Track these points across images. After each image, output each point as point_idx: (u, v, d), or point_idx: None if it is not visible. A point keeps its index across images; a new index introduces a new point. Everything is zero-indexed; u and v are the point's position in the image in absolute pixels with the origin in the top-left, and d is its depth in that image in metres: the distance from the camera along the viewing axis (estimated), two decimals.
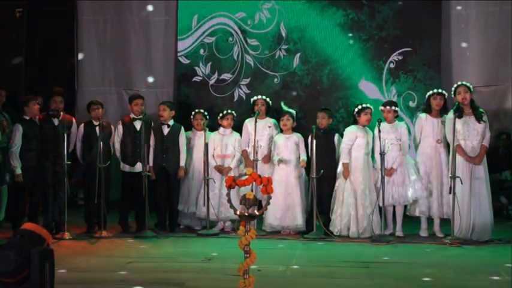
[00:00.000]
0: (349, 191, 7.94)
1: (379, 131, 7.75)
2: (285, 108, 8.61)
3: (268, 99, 8.60)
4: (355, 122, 8.15)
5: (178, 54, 10.26)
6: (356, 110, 8.16)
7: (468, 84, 7.77)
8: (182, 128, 8.43)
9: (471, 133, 7.66)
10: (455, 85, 7.82)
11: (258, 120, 8.19)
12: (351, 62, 10.04)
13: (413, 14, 9.92)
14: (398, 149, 8.02)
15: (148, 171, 8.04)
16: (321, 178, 7.96)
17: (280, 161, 8.16)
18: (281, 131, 8.43)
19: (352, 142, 8.01)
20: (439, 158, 8.00)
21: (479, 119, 7.67)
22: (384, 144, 7.67)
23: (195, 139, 8.56)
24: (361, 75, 10.01)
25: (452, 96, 7.84)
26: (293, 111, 8.47)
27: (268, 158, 8.30)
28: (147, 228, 7.99)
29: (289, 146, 8.26)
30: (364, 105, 8.16)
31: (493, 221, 7.63)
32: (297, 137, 8.34)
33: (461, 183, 7.42)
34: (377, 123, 7.83)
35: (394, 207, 8.11)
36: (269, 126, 8.47)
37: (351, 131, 8.09)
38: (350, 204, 7.92)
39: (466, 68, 9.82)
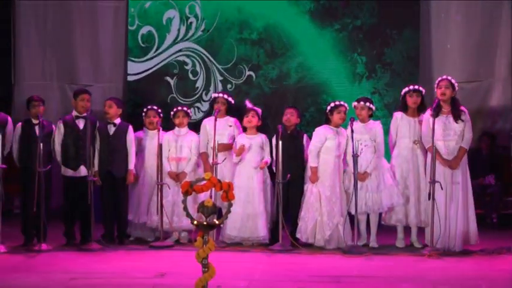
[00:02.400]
0: (315, 195, 7.97)
1: (352, 130, 7.77)
2: (250, 105, 8.56)
3: (228, 96, 8.60)
4: (328, 122, 8.18)
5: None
6: (328, 108, 8.17)
7: (452, 79, 7.78)
8: (130, 127, 8.37)
9: (447, 133, 7.71)
10: (439, 78, 7.86)
11: (217, 119, 8.16)
12: (322, 54, 10.08)
13: (391, 0, 10.02)
14: (373, 151, 8.06)
15: (94, 175, 7.96)
16: (288, 183, 7.97)
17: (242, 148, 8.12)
18: (244, 130, 8.43)
19: (321, 144, 8.03)
20: (417, 161, 8.06)
21: (456, 117, 7.71)
22: (357, 146, 7.71)
23: (146, 140, 8.51)
24: (333, 69, 10.06)
25: (435, 90, 7.87)
26: (258, 109, 8.46)
27: (240, 151, 8.21)
28: (92, 240, 7.91)
29: (253, 147, 8.25)
30: (337, 102, 8.16)
31: (476, 229, 7.70)
32: (261, 137, 8.35)
33: (441, 188, 7.49)
34: (349, 122, 7.86)
35: (367, 215, 8.16)
36: (230, 126, 8.47)
37: (320, 132, 8.11)
38: (316, 210, 7.95)
39: (446, 62, 9.97)
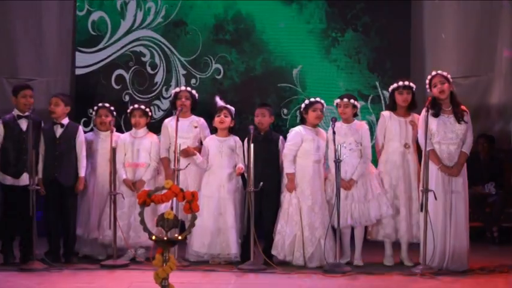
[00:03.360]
0: (294, 207, 7.99)
1: (334, 132, 7.80)
2: (221, 103, 8.54)
3: (194, 91, 8.61)
4: (303, 122, 8.21)
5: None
6: (303, 105, 8.20)
7: (444, 73, 7.83)
8: (80, 128, 8.35)
9: (448, 136, 7.76)
10: (429, 76, 7.89)
11: (180, 118, 8.17)
12: (294, 46, 10.14)
13: None
14: (359, 155, 8.11)
15: (37, 184, 7.91)
16: (261, 192, 7.97)
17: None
18: (213, 131, 8.44)
19: (297, 147, 8.05)
20: (408, 167, 8.11)
21: (459, 118, 7.76)
22: (340, 149, 7.73)
23: (98, 142, 8.49)
24: (308, 63, 10.12)
25: (428, 90, 7.94)
26: (231, 108, 8.47)
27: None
28: (34, 258, 7.85)
29: (224, 151, 8.27)
30: (312, 99, 8.19)
31: (468, 246, 7.73)
32: (233, 140, 8.37)
33: (435, 198, 7.54)
34: (331, 122, 7.89)
35: (352, 228, 8.19)
36: (195, 127, 8.48)
37: (295, 133, 8.12)
38: (295, 224, 7.96)
39: (441, 54, 10.05)
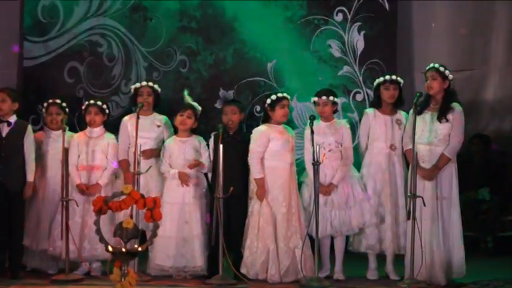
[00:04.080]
0: (266, 216, 7.96)
1: (312, 131, 7.80)
2: (189, 100, 8.55)
3: (156, 86, 8.61)
4: (268, 119, 8.21)
5: None
6: (268, 101, 8.17)
7: (440, 68, 7.77)
8: (29, 126, 8.31)
9: (425, 135, 7.76)
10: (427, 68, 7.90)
11: (141, 116, 8.16)
12: (270, 35, 10.14)
13: None
14: (339, 157, 8.13)
15: None
16: (230, 199, 7.95)
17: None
18: (175, 132, 8.44)
19: (263, 148, 8.04)
20: (394, 171, 8.15)
21: (441, 117, 7.73)
22: (318, 151, 7.73)
23: (48, 143, 8.46)
24: (286, 54, 10.13)
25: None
26: (198, 106, 8.47)
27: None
28: None
29: (187, 153, 8.27)
30: (279, 94, 8.18)
31: (463, 258, 7.75)
32: (197, 140, 8.38)
33: (424, 205, 7.55)
34: (308, 121, 7.90)
35: (332, 238, 8.20)
36: (158, 126, 8.50)
37: (260, 133, 8.10)
38: (268, 236, 7.94)
39: (430, 46, 10.08)
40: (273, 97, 8.15)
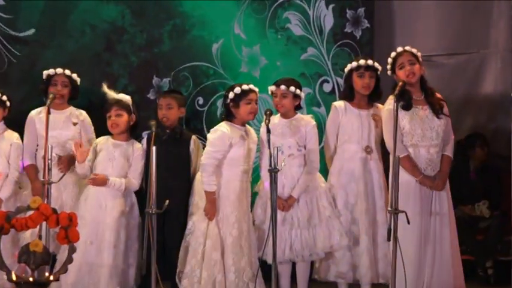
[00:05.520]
0: (214, 240, 7.96)
1: (269, 130, 7.71)
2: (112, 93, 8.53)
3: (74, 75, 8.64)
4: (229, 117, 8.17)
5: None
6: (231, 95, 8.13)
7: (414, 51, 7.90)
8: None
9: (427, 135, 7.83)
10: (393, 53, 7.95)
11: (53, 110, 8.18)
12: (219, 9, 10.08)
13: None
14: (302, 163, 8.15)
15: None
16: (166, 214, 7.88)
17: None
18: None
19: (222, 155, 8.03)
20: (370, 179, 8.20)
21: (437, 110, 7.83)
22: (276, 155, 7.63)
23: None
24: (237, 34, 10.09)
25: (389, 72, 8.00)
26: (125, 97, 8.47)
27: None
28: None
29: (116, 159, 8.32)
30: (245, 86, 8.15)
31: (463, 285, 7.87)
32: (132, 147, 8.44)
33: (408, 222, 7.49)
34: (264, 117, 7.85)
35: (293, 264, 8.20)
36: (74, 123, 8.56)
37: (222, 135, 8.06)
38: (215, 264, 7.92)
39: (416, 25, 10.20)
40: (237, 90, 8.10)
